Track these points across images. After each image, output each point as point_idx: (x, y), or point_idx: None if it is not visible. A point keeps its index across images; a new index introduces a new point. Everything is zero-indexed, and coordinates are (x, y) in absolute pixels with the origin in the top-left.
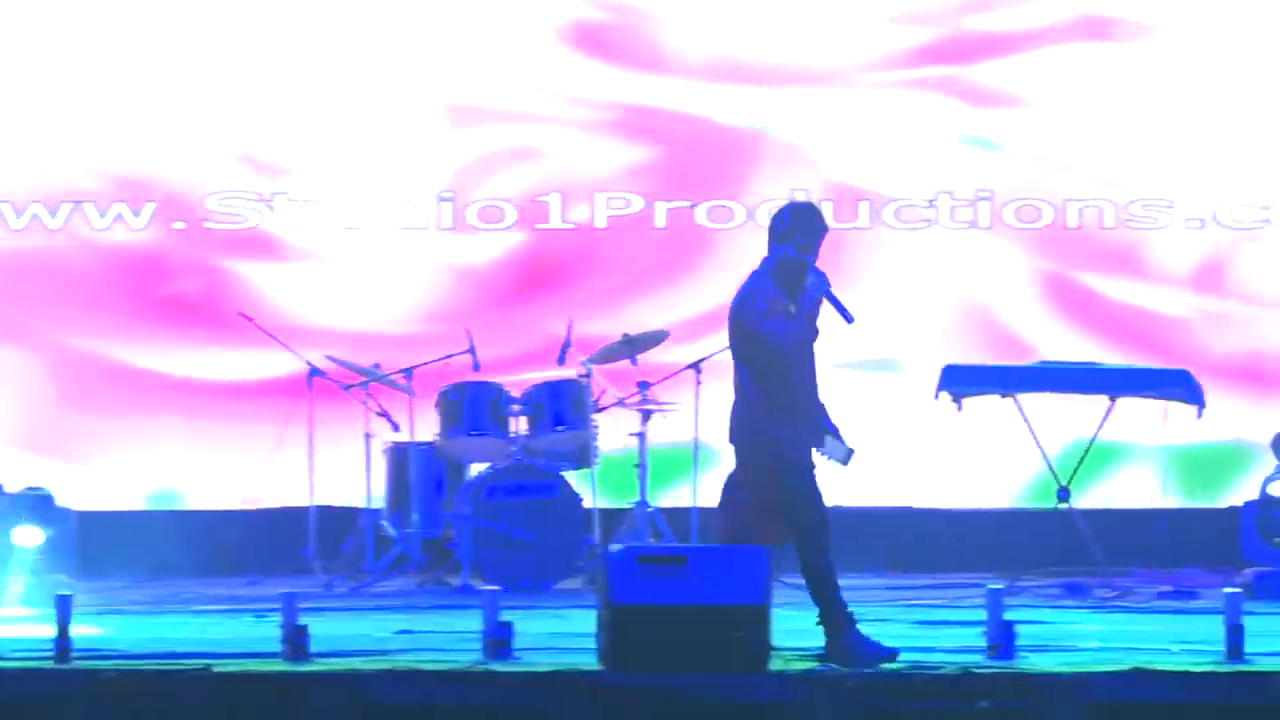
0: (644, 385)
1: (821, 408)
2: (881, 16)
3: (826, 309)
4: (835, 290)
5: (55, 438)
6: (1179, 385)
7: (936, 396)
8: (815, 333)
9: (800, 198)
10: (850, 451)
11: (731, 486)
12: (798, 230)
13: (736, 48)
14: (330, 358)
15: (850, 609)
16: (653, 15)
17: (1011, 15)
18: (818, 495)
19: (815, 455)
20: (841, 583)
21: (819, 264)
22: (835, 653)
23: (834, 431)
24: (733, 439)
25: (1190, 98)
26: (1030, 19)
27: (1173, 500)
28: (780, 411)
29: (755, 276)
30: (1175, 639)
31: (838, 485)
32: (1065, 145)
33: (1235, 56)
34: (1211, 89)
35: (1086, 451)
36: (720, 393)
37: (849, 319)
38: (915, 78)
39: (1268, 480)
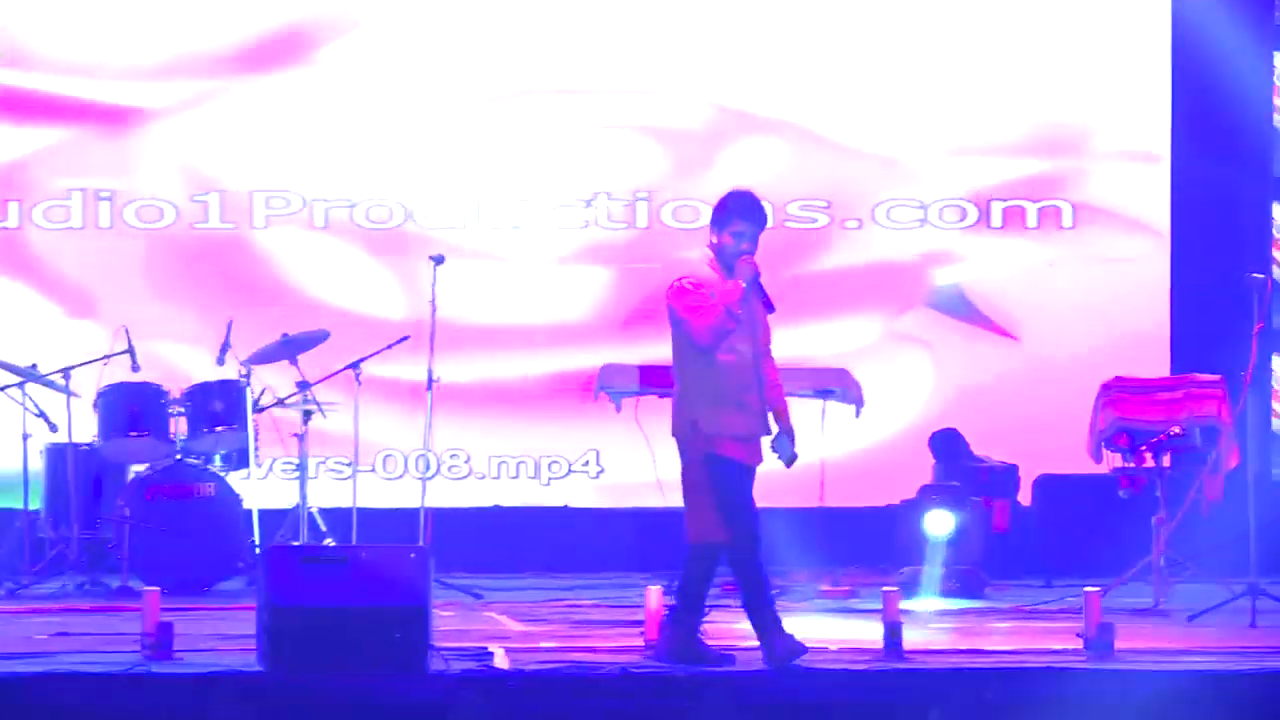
0: (304, 385)
1: (778, 404)
2: None
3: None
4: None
5: None
6: (837, 383)
7: (596, 396)
8: (754, 323)
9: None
10: (794, 457)
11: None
12: (732, 219)
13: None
14: None
15: (701, 613)
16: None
17: None
18: (733, 486)
19: (765, 448)
20: (500, 583)
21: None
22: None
23: (787, 431)
24: (672, 430)
25: None
26: None
27: (831, 500)
28: (704, 400)
29: (697, 265)
30: (834, 637)
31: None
32: None
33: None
34: None
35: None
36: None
37: (769, 308)
38: None
39: (925, 503)
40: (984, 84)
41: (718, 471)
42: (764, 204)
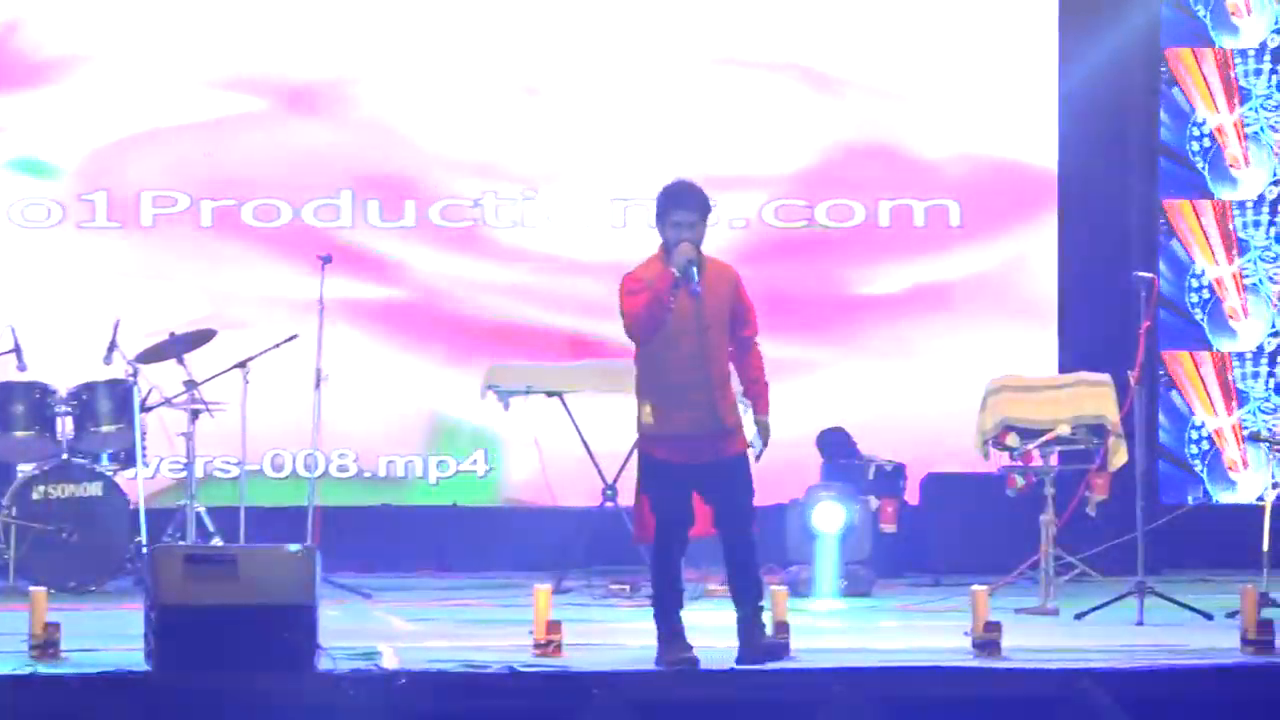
0: (191, 384)
1: (757, 397)
2: None
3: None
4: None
5: None
6: None
7: (483, 395)
8: (705, 316)
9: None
10: (760, 452)
11: None
12: (669, 210)
13: None
14: None
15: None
16: None
17: None
18: (657, 486)
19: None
20: (389, 582)
21: None
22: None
23: (760, 425)
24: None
25: None
26: None
27: None
28: (643, 396)
29: (650, 260)
30: (722, 636)
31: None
32: None
33: None
34: None
35: (632, 450)
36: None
37: (694, 292)
38: None
39: (812, 500)
40: (871, 82)
41: (645, 470)
42: (702, 191)
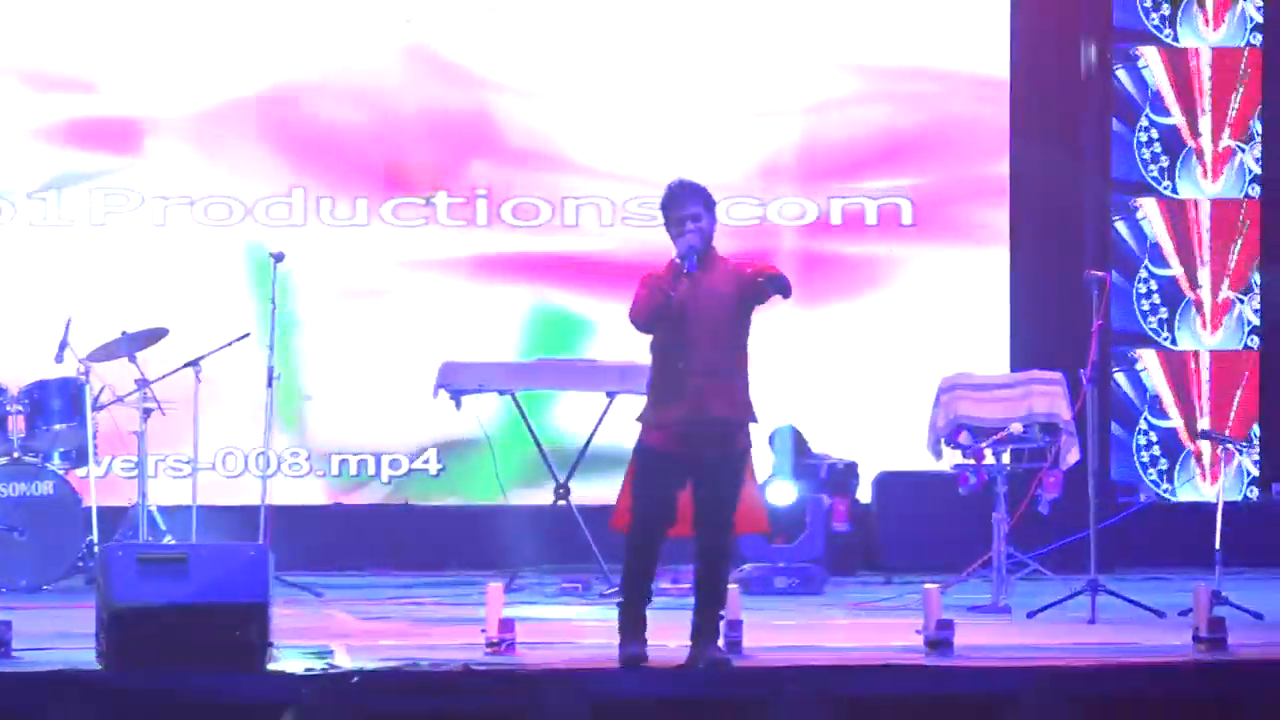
0: (143, 383)
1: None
2: None
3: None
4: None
5: None
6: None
7: (435, 394)
8: (710, 306)
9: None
10: (762, 288)
11: None
12: (671, 209)
13: None
14: None
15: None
16: None
17: None
18: (644, 474)
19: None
20: (341, 580)
21: None
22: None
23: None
24: None
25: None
26: None
27: None
28: (650, 387)
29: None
30: (674, 634)
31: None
32: None
33: None
34: None
35: (584, 449)
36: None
37: (689, 269)
38: None
39: (765, 480)
40: (824, 81)
41: (637, 457)
42: (702, 186)
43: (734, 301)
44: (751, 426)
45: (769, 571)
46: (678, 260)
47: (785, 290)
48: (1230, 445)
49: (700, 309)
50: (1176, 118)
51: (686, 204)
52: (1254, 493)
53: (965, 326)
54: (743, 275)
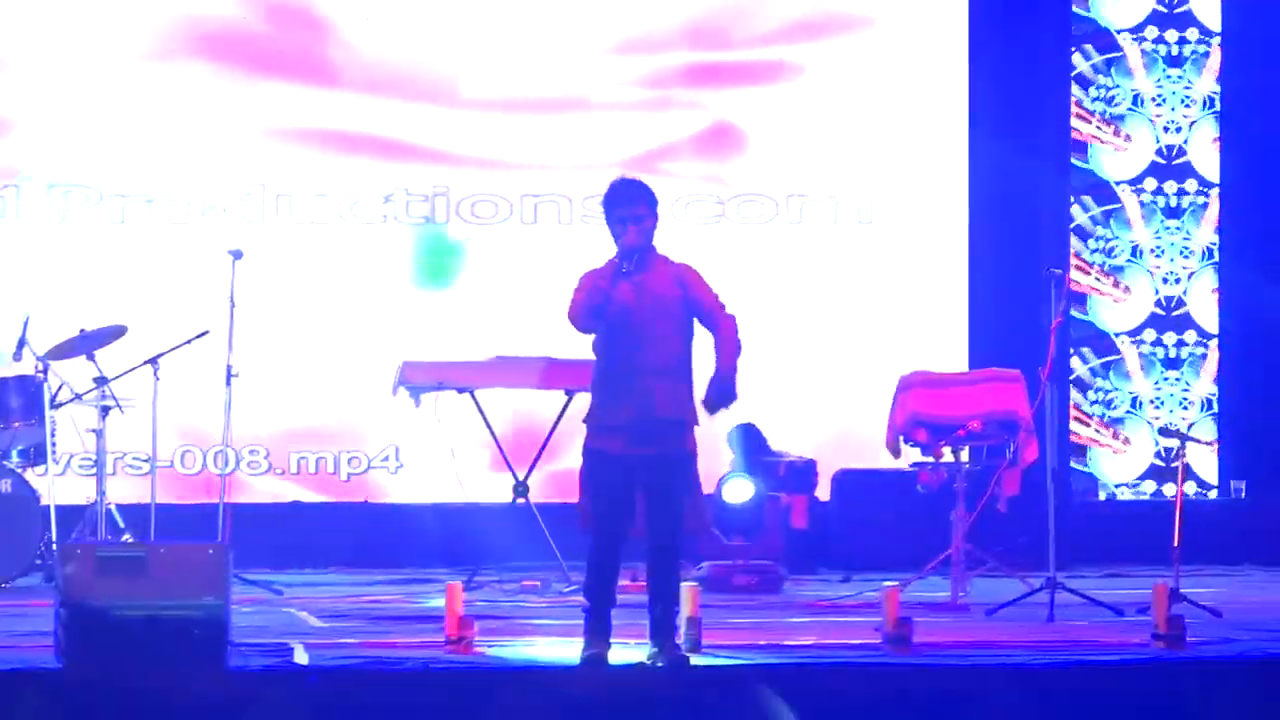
0: (101, 381)
1: (724, 362)
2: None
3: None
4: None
5: None
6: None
7: (395, 392)
8: (652, 306)
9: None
10: (713, 404)
11: None
12: (614, 207)
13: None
14: None
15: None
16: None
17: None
18: (593, 476)
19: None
20: (301, 578)
21: None
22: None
23: (721, 380)
24: None
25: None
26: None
27: None
28: (593, 388)
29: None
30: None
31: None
32: None
33: None
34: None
35: (543, 446)
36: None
37: (626, 273)
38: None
39: (724, 478)
40: (779, 74)
41: (587, 459)
42: (646, 186)
43: (678, 303)
44: (712, 424)
45: (728, 569)
46: (616, 259)
47: (731, 399)
48: (1190, 442)
49: (644, 309)
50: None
51: (630, 202)
52: (1213, 493)
53: (924, 324)
54: (685, 280)
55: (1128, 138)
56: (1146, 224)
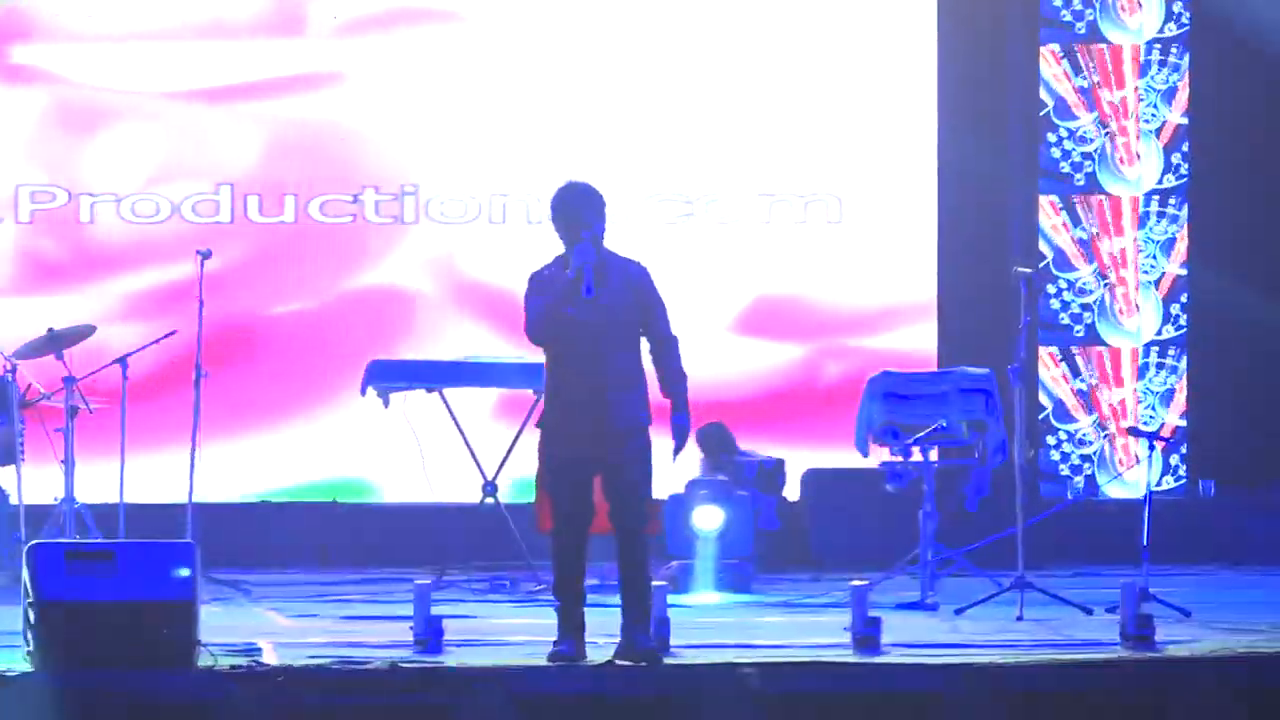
0: (70, 380)
1: (674, 396)
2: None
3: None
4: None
5: None
6: None
7: (363, 392)
8: (603, 314)
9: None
10: (676, 449)
11: None
12: (563, 212)
13: None
14: None
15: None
16: None
17: None
18: (551, 477)
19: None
20: (268, 578)
21: None
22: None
23: (676, 427)
24: None
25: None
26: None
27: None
28: (547, 395)
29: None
30: (604, 633)
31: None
32: None
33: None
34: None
35: (512, 446)
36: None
37: (587, 292)
38: None
39: (693, 503)
40: (751, 76)
41: (542, 465)
42: (596, 191)
43: (632, 309)
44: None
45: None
46: (569, 272)
47: (685, 439)
48: (1158, 440)
49: (598, 325)
50: (1096, 113)
51: (577, 210)
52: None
53: (893, 323)
54: (639, 285)
55: None
56: None
